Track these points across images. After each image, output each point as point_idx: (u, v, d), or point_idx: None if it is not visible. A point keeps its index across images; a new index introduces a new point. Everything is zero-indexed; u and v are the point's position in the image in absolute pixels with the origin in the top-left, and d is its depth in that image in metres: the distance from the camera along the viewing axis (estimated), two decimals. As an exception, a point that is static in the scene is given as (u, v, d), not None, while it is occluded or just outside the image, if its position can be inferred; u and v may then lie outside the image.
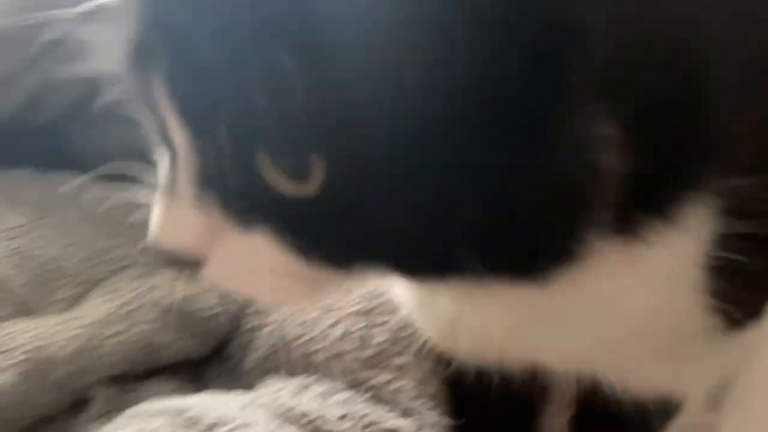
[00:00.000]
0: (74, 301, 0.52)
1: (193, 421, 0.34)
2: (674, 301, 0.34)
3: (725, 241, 0.32)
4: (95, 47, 0.68)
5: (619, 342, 0.35)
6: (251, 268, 0.29)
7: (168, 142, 0.28)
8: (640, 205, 0.29)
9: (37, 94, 0.64)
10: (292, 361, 0.46)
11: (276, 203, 0.26)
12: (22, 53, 0.61)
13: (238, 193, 0.27)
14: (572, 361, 0.38)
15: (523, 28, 0.24)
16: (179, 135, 0.27)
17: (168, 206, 0.29)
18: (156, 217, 0.29)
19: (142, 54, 0.28)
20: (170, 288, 0.52)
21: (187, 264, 0.29)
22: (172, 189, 0.28)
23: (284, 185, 0.26)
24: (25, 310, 0.50)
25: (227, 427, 0.34)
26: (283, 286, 0.29)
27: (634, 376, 0.40)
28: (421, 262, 0.28)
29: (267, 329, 0.50)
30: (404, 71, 0.24)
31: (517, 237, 0.27)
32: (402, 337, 0.42)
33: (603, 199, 0.28)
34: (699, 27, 0.30)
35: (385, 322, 0.43)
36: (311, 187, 0.25)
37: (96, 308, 0.50)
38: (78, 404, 0.47)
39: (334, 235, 0.27)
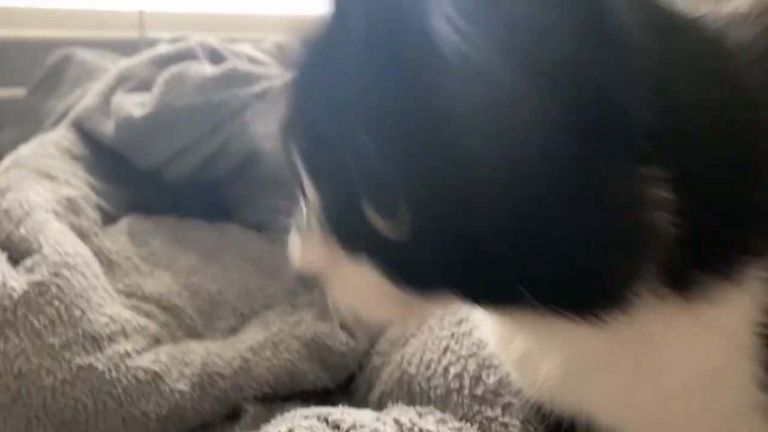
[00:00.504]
0: (233, 329, 0.62)
1: (336, 424, 0.42)
2: (726, 367, 0.34)
3: None
4: (258, 123, 0.81)
5: (668, 400, 0.36)
6: (358, 289, 0.35)
7: (303, 193, 0.36)
8: (698, 264, 0.31)
9: (211, 158, 0.77)
10: (411, 394, 0.53)
11: (374, 240, 0.32)
12: (206, 125, 0.75)
13: (349, 231, 0.34)
14: (620, 417, 0.38)
15: (584, 108, 0.28)
16: (309, 188, 0.35)
17: (303, 239, 0.37)
18: (296, 247, 0.37)
19: (286, 130, 0.36)
20: (311, 324, 0.61)
21: (317, 281, 0.36)
22: (307, 227, 0.36)
23: (381, 227, 0.32)
24: (195, 334, 0.61)
25: (364, 430, 0.41)
26: (383, 306, 0.35)
27: None
28: (492, 295, 0.32)
29: (390, 367, 0.57)
30: (485, 146, 0.28)
31: (575, 278, 0.30)
32: (509, 380, 0.48)
33: (657, 254, 0.30)
34: (756, 101, 0.33)
35: (495, 366, 0.49)
36: (401, 230, 0.31)
37: (251, 336, 0.59)
38: (232, 415, 0.56)
39: (418, 267, 0.32)
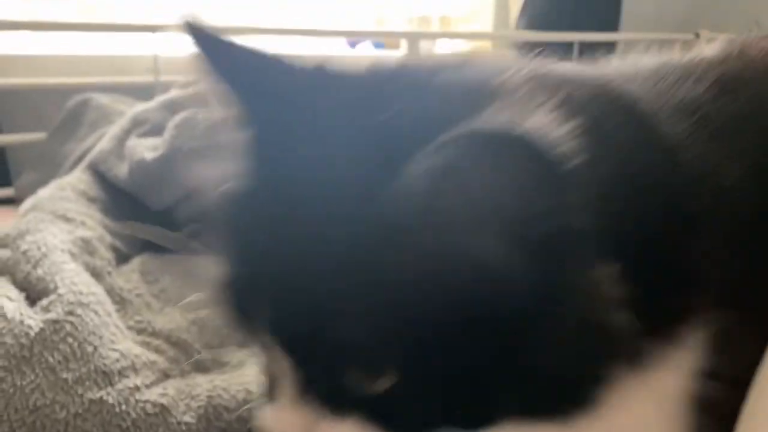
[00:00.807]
0: (240, 363, 0.64)
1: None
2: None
3: (706, 374, 0.35)
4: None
5: None
6: None
7: (272, 360, 0.36)
8: (647, 332, 0.33)
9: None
10: None
11: (359, 399, 0.33)
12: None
13: (332, 395, 0.34)
14: None
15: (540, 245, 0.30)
16: (283, 359, 0.34)
17: (277, 406, 0.36)
18: (268, 415, 0.37)
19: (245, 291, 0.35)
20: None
21: None
22: (279, 393, 0.36)
23: (366, 386, 0.33)
24: (202, 368, 0.63)
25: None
26: None
27: None
28: (479, 417, 0.33)
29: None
30: (467, 303, 0.30)
31: (554, 389, 0.32)
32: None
33: (621, 347, 0.32)
34: (679, 162, 0.35)
35: None
36: (385, 386, 0.33)
37: (254, 370, 0.62)
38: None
39: (411, 412, 0.33)
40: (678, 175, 0.35)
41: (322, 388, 0.34)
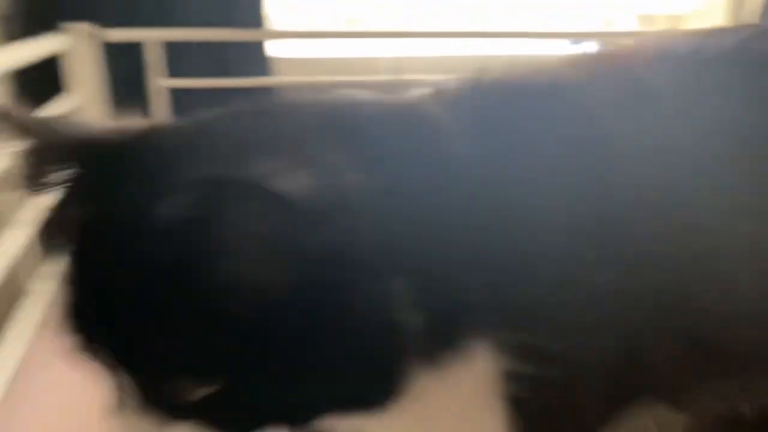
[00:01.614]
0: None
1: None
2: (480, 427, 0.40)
3: (513, 378, 0.39)
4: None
5: None
6: None
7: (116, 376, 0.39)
8: (439, 343, 0.38)
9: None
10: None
11: (191, 404, 0.37)
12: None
13: (166, 403, 0.38)
14: None
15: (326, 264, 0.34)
16: (124, 376, 0.38)
17: (124, 416, 0.39)
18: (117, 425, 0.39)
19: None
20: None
21: None
22: (127, 404, 0.39)
23: (194, 394, 0.37)
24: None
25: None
26: None
27: None
28: (294, 419, 0.38)
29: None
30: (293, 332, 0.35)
31: (354, 384, 0.36)
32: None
33: (407, 343, 0.36)
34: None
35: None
36: (203, 393, 0.36)
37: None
38: None
39: (237, 414, 0.38)
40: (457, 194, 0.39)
41: (157, 398, 0.38)
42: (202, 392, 0.37)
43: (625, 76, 0.47)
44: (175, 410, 0.38)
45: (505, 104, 0.44)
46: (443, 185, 0.39)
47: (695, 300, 0.43)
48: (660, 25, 1.77)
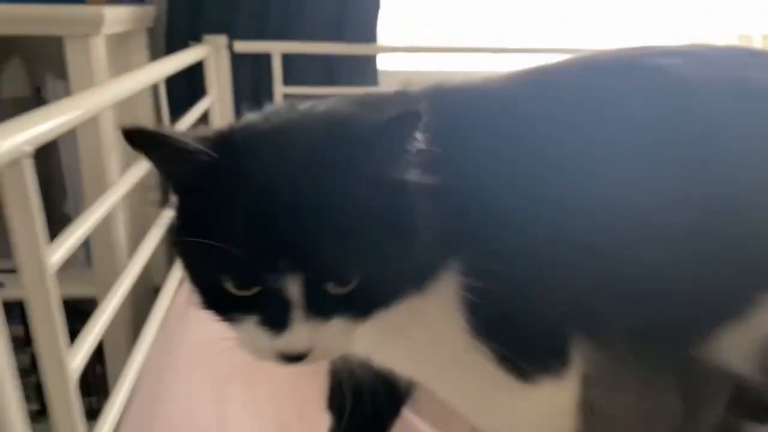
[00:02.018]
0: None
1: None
2: (449, 339, 0.53)
3: (472, 293, 0.50)
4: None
5: (423, 354, 0.55)
6: (333, 342, 0.48)
7: (278, 297, 0.46)
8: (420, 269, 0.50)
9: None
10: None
11: (337, 302, 0.47)
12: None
13: (320, 306, 0.46)
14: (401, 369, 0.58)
15: None
16: (292, 285, 0.45)
17: (292, 330, 0.46)
18: (285, 340, 0.47)
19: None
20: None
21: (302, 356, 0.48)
22: (289, 321, 0.46)
23: (340, 292, 0.46)
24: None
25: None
26: (348, 342, 0.49)
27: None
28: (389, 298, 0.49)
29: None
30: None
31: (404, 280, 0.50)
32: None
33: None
34: None
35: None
36: (354, 284, 0.46)
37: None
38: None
39: (369, 304, 0.48)
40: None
41: (314, 302, 0.46)
42: (345, 290, 0.47)
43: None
44: (326, 310, 0.47)
45: None
46: None
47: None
48: (758, 45, 1.78)
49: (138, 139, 0.46)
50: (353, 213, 0.45)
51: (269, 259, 0.45)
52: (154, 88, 1.19)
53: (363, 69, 1.45)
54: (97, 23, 1.05)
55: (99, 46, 1.09)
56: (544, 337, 0.55)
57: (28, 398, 1.50)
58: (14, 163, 0.53)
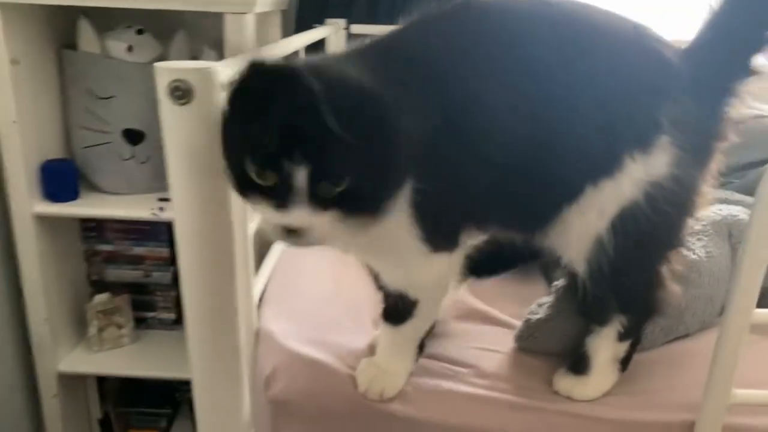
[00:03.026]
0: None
1: None
2: (397, 225, 0.71)
3: (416, 195, 0.68)
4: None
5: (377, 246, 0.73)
6: (325, 229, 0.63)
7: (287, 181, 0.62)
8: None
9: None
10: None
11: (331, 199, 0.62)
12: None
13: (318, 198, 0.62)
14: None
15: None
16: (298, 174, 0.61)
17: (293, 207, 0.62)
18: (288, 216, 0.63)
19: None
20: None
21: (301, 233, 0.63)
22: (292, 201, 0.62)
23: (333, 191, 0.62)
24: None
25: None
26: (337, 235, 0.65)
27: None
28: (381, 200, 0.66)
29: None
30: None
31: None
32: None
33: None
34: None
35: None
36: (344, 186, 0.62)
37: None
38: None
39: (363, 202, 0.64)
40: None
41: (315, 193, 0.62)
42: (338, 189, 0.62)
43: None
44: (323, 203, 0.62)
45: None
46: None
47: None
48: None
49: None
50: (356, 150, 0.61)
51: (287, 151, 0.61)
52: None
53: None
54: (252, 3, 1.33)
55: (250, 22, 1.37)
56: (448, 226, 0.77)
57: (168, 309, 1.81)
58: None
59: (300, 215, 0.62)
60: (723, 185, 1.28)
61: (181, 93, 0.66)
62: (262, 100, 0.61)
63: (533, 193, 0.76)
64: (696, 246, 0.99)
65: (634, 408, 0.84)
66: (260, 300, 1.02)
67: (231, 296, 0.77)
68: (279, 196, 0.62)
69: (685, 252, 0.96)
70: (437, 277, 0.81)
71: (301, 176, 0.61)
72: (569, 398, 0.85)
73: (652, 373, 0.90)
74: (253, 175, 0.63)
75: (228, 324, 0.78)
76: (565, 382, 0.87)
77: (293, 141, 0.61)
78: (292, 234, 0.63)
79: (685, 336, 0.97)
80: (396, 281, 0.81)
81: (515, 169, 0.73)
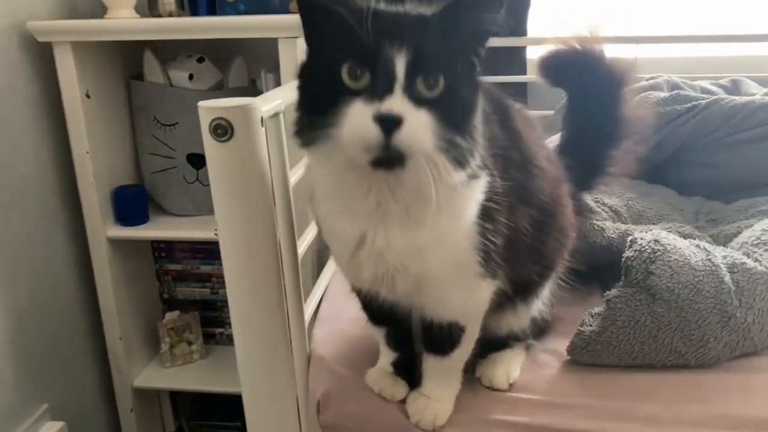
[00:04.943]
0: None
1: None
2: (459, 245, 0.73)
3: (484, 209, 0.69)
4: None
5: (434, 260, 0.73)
6: (420, 126, 0.60)
7: (389, 77, 0.60)
8: None
9: (657, 146, 1.25)
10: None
11: (426, 99, 0.61)
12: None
13: (413, 95, 0.60)
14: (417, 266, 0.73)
15: None
16: (401, 73, 0.60)
17: (390, 99, 0.60)
18: (386, 101, 0.60)
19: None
20: None
21: (397, 124, 0.59)
22: (390, 94, 0.60)
23: (428, 92, 0.61)
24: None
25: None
26: (430, 135, 0.61)
27: None
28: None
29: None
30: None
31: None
32: None
33: None
34: None
35: None
36: (439, 90, 0.61)
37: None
38: None
39: (453, 111, 0.62)
40: None
41: (412, 86, 0.61)
42: (433, 92, 0.62)
43: None
44: (418, 100, 0.61)
45: None
46: None
47: None
48: None
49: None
50: (451, 42, 0.63)
51: (388, 39, 0.61)
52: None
53: (513, 59, 1.67)
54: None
55: (302, 46, 1.40)
56: (499, 252, 0.76)
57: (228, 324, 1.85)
58: (275, 116, 0.82)
59: (397, 101, 0.60)
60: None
61: (222, 130, 0.68)
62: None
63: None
64: (763, 257, 0.94)
65: (706, 425, 0.80)
66: (315, 317, 1.04)
67: (280, 322, 0.79)
68: (376, 86, 0.61)
69: (750, 263, 0.92)
70: (484, 302, 0.81)
71: (400, 63, 0.60)
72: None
73: (721, 389, 0.86)
74: (346, 77, 0.62)
75: (278, 349, 0.80)
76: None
77: (393, 28, 0.61)
78: (386, 125, 0.59)
79: (753, 353, 0.92)
80: (452, 307, 0.80)
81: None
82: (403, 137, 0.59)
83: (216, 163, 0.72)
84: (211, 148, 0.71)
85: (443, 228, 0.70)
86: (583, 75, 1.06)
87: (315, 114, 0.63)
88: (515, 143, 0.81)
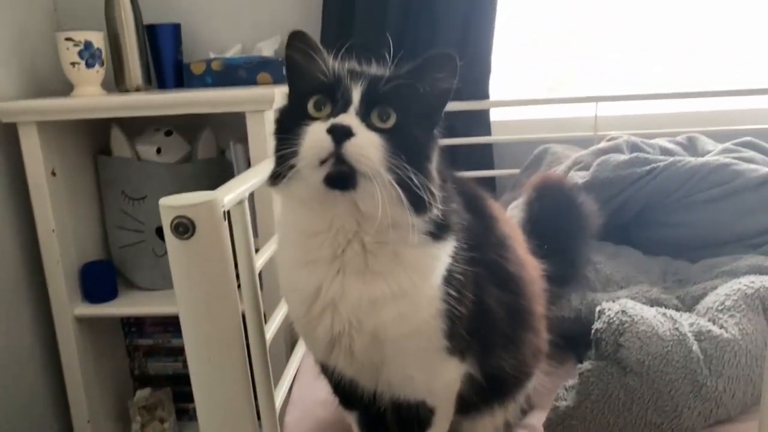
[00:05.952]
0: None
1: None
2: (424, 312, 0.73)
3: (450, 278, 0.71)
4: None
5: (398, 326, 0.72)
6: (369, 142, 0.64)
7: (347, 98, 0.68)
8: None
9: (619, 209, 1.27)
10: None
11: (380, 129, 0.66)
12: (615, 189, 1.26)
13: (367, 120, 0.66)
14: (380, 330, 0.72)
15: None
16: (355, 91, 0.68)
17: (343, 116, 0.66)
18: (341, 116, 0.66)
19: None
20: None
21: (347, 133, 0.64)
22: (348, 112, 0.67)
23: (383, 123, 0.67)
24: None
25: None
26: (369, 155, 0.63)
27: None
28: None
29: None
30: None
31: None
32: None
33: None
34: None
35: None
36: (391, 123, 0.66)
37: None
38: None
39: (402, 141, 0.65)
40: None
41: (365, 108, 0.67)
42: (386, 123, 0.68)
43: None
44: (370, 126, 0.67)
45: None
46: None
47: None
48: None
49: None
50: (407, 91, 0.69)
51: (350, 77, 0.69)
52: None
53: (476, 121, 1.70)
54: (269, 101, 1.38)
55: (270, 117, 1.42)
56: (466, 330, 0.76)
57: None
58: (240, 204, 0.82)
59: (349, 117, 0.66)
60: (756, 247, 1.24)
61: (184, 228, 0.68)
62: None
63: None
64: (728, 324, 0.95)
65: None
66: (288, 398, 1.02)
67: (249, 416, 0.77)
68: (334, 110, 0.68)
69: (716, 331, 0.93)
70: (453, 383, 0.80)
71: (356, 93, 0.68)
72: None
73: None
74: (312, 108, 0.69)
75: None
76: None
77: (355, 72, 0.70)
78: (337, 135, 0.64)
79: (728, 420, 0.92)
80: (417, 384, 0.79)
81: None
82: (352, 147, 0.63)
83: (178, 260, 0.71)
84: (172, 246, 0.70)
85: (405, 284, 0.71)
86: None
87: (284, 147, 0.67)
88: (491, 226, 0.84)
